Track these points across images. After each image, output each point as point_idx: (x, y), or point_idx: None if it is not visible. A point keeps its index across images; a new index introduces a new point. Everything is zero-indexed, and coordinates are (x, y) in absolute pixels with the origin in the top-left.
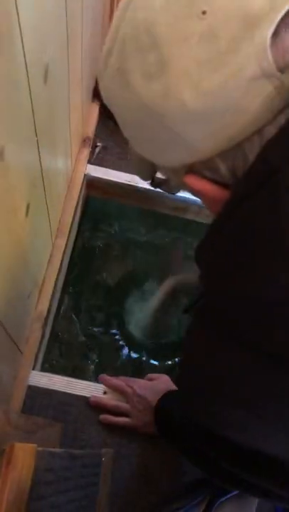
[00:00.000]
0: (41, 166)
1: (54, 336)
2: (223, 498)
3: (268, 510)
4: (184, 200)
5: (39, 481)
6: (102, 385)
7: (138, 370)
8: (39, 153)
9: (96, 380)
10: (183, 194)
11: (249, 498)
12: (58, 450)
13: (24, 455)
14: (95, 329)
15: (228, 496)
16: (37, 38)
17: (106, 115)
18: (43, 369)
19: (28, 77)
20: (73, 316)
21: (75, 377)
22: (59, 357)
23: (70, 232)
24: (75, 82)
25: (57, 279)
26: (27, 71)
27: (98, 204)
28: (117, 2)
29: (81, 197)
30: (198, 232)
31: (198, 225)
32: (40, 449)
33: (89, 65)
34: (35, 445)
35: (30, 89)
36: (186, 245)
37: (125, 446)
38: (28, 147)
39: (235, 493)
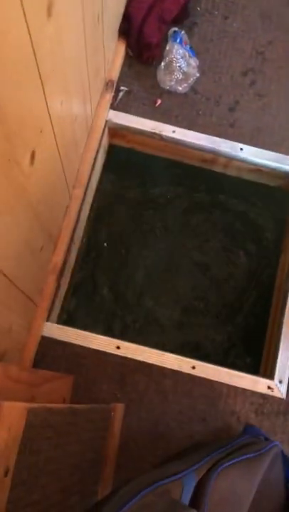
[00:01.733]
0: (49, 112)
1: (74, 287)
2: (227, 464)
3: (275, 479)
4: (212, 151)
5: (35, 437)
6: (116, 340)
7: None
8: (45, 98)
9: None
10: (211, 144)
11: (255, 464)
12: (58, 406)
13: (13, 414)
14: (113, 285)
15: (233, 461)
16: None
17: (133, 55)
18: (60, 320)
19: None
20: (93, 268)
21: (90, 330)
22: (77, 309)
23: (88, 182)
24: (89, 17)
25: (74, 230)
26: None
27: (122, 154)
28: None
29: (102, 145)
30: (228, 187)
31: (227, 178)
32: (35, 405)
33: None
34: (26, 404)
35: (27, 25)
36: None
37: (136, 401)
38: (31, 91)
39: (240, 458)
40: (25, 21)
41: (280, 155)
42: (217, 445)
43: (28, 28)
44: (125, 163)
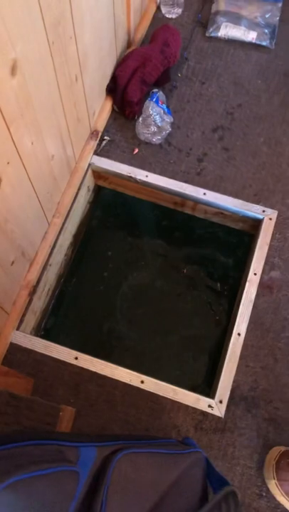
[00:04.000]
0: (16, 148)
1: (53, 307)
2: (138, 450)
3: (191, 481)
4: (180, 194)
5: None
6: (74, 351)
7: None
8: (11, 137)
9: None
10: (179, 188)
11: (171, 460)
12: None
13: None
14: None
15: (146, 450)
16: None
17: (118, 110)
18: (37, 335)
19: None
20: (75, 292)
21: (54, 341)
22: (54, 327)
23: (68, 214)
24: (65, 76)
25: (50, 254)
26: None
27: (110, 195)
28: None
29: (85, 183)
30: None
31: (197, 220)
32: None
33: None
34: None
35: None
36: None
37: (87, 408)
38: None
39: (155, 450)
40: None
41: (240, 201)
42: (136, 436)
43: None
44: (112, 203)
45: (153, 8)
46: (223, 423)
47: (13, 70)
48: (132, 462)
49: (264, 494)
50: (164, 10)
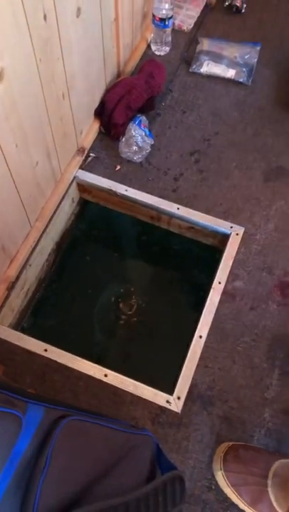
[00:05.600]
0: (1, 148)
1: (34, 307)
2: (88, 420)
3: (138, 459)
4: (156, 208)
5: None
6: (44, 344)
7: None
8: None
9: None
10: (155, 203)
11: (118, 436)
12: None
13: None
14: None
15: (95, 422)
16: None
17: (104, 131)
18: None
19: None
20: (55, 297)
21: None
22: (33, 325)
23: (50, 220)
24: (51, 92)
25: (30, 254)
26: None
27: (94, 209)
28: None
29: (69, 194)
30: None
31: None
32: None
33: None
34: None
35: None
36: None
37: (51, 396)
38: None
39: (105, 424)
40: None
41: (210, 217)
42: (89, 411)
43: None
44: (96, 217)
45: (143, 46)
46: (180, 418)
47: (0, 77)
48: (80, 430)
49: (213, 487)
50: (153, 47)
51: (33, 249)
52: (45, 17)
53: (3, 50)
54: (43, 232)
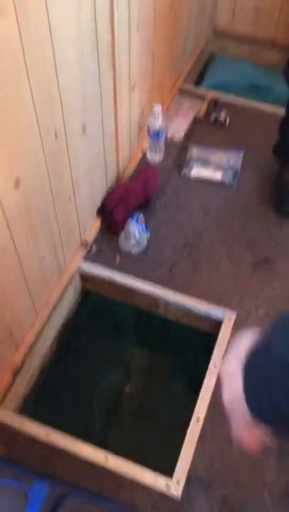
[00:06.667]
0: (13, 239)
1: (37, 390)
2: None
3: None
4: (153, 295)
5: None
6: (47, 428)
7: None
8: (9, 229)
9: None
10: (152, 290)
11: None
12: None
13: None
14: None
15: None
16: None
17: (105, 228)
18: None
19: None
20: (56, 384)
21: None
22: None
23: (54, 308)
24: (59, 194)
25: (35, 342)
26: None
27: (96, 300)
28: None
29: (73, 284)
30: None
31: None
32: None
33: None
34: None
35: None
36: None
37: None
38: None
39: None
40: None
41: (205, 303)
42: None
43: None
44: (98, 307)
45: (139, 155)
46: (179, 505)
47: (17, 185)
48: (82, 508)
49: None
50: (148, 156)
51: (38, 336)
52: (56, 135)
53: (20, 163)
54: (48, 319)
